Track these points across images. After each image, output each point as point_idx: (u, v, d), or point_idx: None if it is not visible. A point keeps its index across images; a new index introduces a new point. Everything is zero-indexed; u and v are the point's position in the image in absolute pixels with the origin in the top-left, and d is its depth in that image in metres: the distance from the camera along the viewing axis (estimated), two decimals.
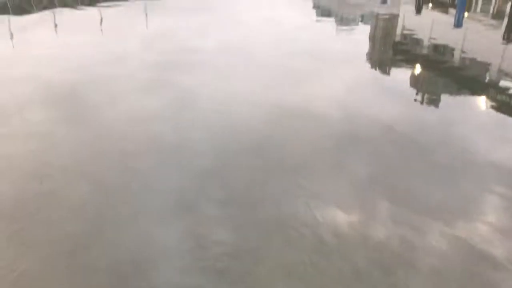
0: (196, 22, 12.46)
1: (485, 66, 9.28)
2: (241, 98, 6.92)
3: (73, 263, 3.49)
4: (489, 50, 10.22)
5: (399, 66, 9.48)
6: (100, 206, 4.22)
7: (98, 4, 14.77)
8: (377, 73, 8.82)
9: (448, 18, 14.49)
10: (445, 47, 10.74)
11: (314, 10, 16.17)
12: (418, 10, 16.18)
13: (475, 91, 7.84)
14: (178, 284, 3.32)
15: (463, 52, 10.22)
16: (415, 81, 8.36)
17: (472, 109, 7.03)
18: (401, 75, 8.67)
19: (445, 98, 7.61)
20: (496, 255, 3.64)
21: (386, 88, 7.70)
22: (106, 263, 3.48)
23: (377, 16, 14.58)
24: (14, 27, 11.03)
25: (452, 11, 15.99)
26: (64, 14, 12.98)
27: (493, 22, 13.75)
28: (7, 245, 3.69)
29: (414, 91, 7.77)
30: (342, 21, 14.23)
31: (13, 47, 9.59)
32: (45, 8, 13.87)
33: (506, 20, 13.84)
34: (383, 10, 15.64)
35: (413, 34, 12.18)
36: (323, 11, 15.94)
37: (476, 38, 11.48)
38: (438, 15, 14.86)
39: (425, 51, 10.64)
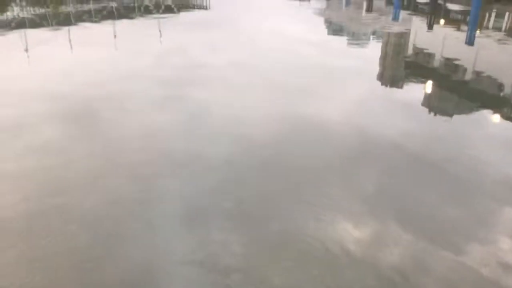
0: (208, 38, 12.58)
1: (498, 83, 9.24)
2: (253, 114, 6.94)
3: (85, 276, 3.50)
4: (502, 67, 10.18)
5: (411, 83, 9.46)
6: (113, 219, 4.24)
7: (113, 20, 14.99)
8: (388, 89, 8.81)
9: (460, 35, 14.49)
10: (457, 63, 10.72)
11: (326, 26, 16.26)
12: (430, 27, 16.21)
13: (488, 108, 7.79)
14: None
15: (475, 68, 10.20)
16: (427, 98, 8.34)
17: (485, 126, 6.98)
18: (413, 92, 8.65)
19: (457, 114, 7.58)
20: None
21: (398, 104, 7.68)
22: (118, 276, 3.49)
23: (388, 32, 14.62)
24: (31, 42, 11.21)
25: (464, 27, 16.01)
26: (79, 30, 13.18)
27: (506, 38, 13.70)
28: (18, 261, 3.71)
29: (426, 107, 7.74)
30: (354, 37, 14.29)
31: (29, 62, 9.74)
32: (60, 23, 14.09)
33: None
34: (394, 26, 15.68)
35: (425, 51, 12.18)
36: (334, 27, 16.03)
37: (489, 54, 11.46)
38: (450, 32, 14.86)
39: (436, 68, 10.63)
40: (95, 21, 14.85)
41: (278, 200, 4.63)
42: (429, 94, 8.63)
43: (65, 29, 13.05)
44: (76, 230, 4.08)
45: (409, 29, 15.33)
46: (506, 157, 5.75)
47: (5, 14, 15.76)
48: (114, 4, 18.34)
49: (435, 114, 7.39)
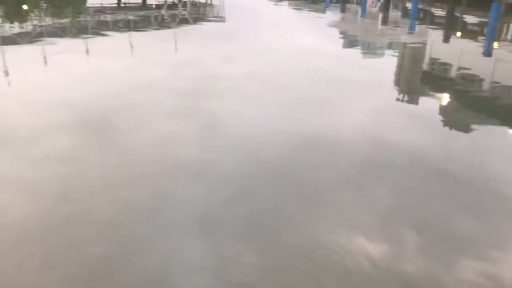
0: (223, 49, 12.64)
1: None
2: (267, 125, 6.92)
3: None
4: None
5: (427, 95, 9.36)
6: (127, 227, 4.25)
7: (130, 31, 15.16)
8: (404, 101, 8.72)
9: (477, 47, 14.36)
10: (474, 75, 10.60)
11: (341, 38, 16.23)
12: (446, 39, 16.09)
13: (506, 121, 7.66)
14: None
15: (493, 81, 10.07)
16: (443, 109, 8.24)
17: (503, 139, 6.86)
18: (429, 104, 8.55)
19: (474, 127, 7.46)
20: None
21: (414, 117, 7.60)
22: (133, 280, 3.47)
23: (404, 44, 14.54)
24: (48, 52, 11.37)
25: (482, 39, 15.86)
26: (96, 40, 13.34)
27: None
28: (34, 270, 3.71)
29: (442, 119, 7.65)
30: (369, 49, 14.24)
31: (46, 72, 9.86)
32: (78, 33, 14.29)
33: None
34: (410, 38, 15.60)
35: (441, 63, 12.08)
36: (349, 39, 16.00)
37: (507, 67, 11.31)
38: (467, 44, 14.73)
39: (453, 79, 10.52)
40: (112, 32, 15.02)
41: (292, 212, 4.58)
42: (446, 106, 8.52)
43: (83, 39, 13.22)
44: (89, 238, 4.09)
45: (426, 41, 15.24)
46: None
47: (24, 25, 16.03)
48: (131, 16, 18.56)
49: (452, 127, 7.29)
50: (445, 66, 11.88)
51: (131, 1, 25.10)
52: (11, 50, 11.69)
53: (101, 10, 20.39)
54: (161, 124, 6.89)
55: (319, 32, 16.52)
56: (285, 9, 24.68)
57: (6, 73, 9.50)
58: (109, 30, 15.40)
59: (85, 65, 10.49)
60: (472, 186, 5.25)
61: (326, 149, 6.11)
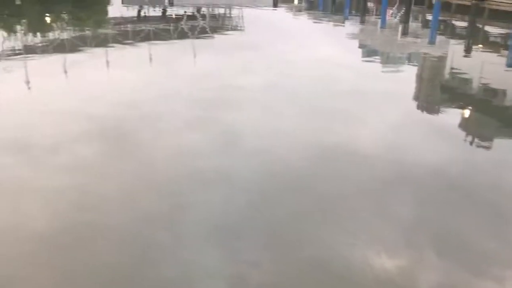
0: (242, 59, 12.65)
1: None
2: (285, 136, 6.87)
3: None
4: None
5: (448, 107, 9.21)
6: (144, 236, 4.25)
7: (150, 42, 15.30)
8: (424, 114, 8.58)
9: (500, 59, 14.11)
10: (496, 88, 10.40)
11: (360, 49, 16.13)
12: (468, 51, 15.87)
13: None
14: None
15: None
16: (464, 123, 8.07)
17: None
18: (450, 117, 8.41)
19: (496, 140, 7.29)
20: None
21: (434, 130, 7.46)
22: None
23: (424, 56, 14.38)
24: (68, 62, 11.51)
25: (504, 51, 15.60)
26: (116, 51, 13.47)
27: None
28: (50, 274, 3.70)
29: (463, 132, 7.49)
30: (389, 60, 14.10)
31: (65, 82, 9.97)
32: (98, 44, 14.46)
33: None
34: (431, 50, 15.43)
35: (462, 75, 11.89)
36: (369, 51, 15.88)
37: None
38: (488, 56, 14.50)
39: (475, 92, 10.33)
40: (132, 43, 15.18)
41: (311, 224, 4.51)
42: (467, 119, 8.35)
43: (102, 50, 13.37)
44: (106, 246, 4.09)
45: (446, 53, 15.05)
46: None
47: (47, 36, 16.31)
48: (151, 27, 18.75)
49: (473, 140, 7.13)
50: (467, 78, 11.68)
51: (151, 13, 25.40)
52: (34, 60, 11.88)
53: (122, 21, 20.64)
54: (179, 133, 6.90)
55: (338, 43, 16.44)
56: (304, 20, 24.69)
57: (28, 82, 9.64)
58: (129, 41, 15.57)
59: (105, 75, 10.58)
60: (492, 201, 5.10)
61: (345, 162, 6.02)
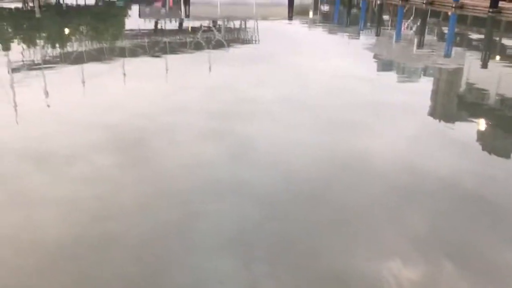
0: (256, 72, 12.72)
1: None
2: (300, 147, 6.89)
3: None
4: None
5: (464, 120, 9.14)
6: (160, 245, 4.30)
7: (166, 54, 15.48)
8: (440, 126, 8.52)
9: None
10: None
11: (375, 61, 16.12)
12: (485, 63, 15.76)
13: None
14: None
15: None
16: (481, 135, 8.00)
17: None
18: (467, 130, 8.34)
19: None
20: None
21: (451, 142, 7.41)
22: None
23: (440, 68, 14.31)
24: (86, 73, 11.68)
25: None
26: (133, 63, 13.64)
27: None
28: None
29: (481, 145, 7.43)
30: (404, 73, 14.06)
31: (83, 93, 10.12)
32: (115, 56, 14.67)
33: None
34: (447, 62, 15.36)
35: (479, 87, 11.81)
36: (384, 63, 15.86)
37: None
38: (507, 68, 14.38)
39: (492, 105, 10.24)
40: (149, 55, 15.37)
41: (324, 236, 4.51)
42: (484, 132, 8.28)
43: (119, 62, 13.56)
44: (123, 255, 4.13)
45: (463, 65, 14.96)
46: None
47: (64, 48, 16.60)
48: (167, 40, 18.98)
49: (490, 153, 7.06)
50: (483, 90, 11.59)
51: (168, 26, 25.72)
52: (53, 72, 12.08)
53: (139, 34, 20.92)
54: (194, 144, 6.95)
55: (353, 55, 16.45)
56: (319, 32, 24.77)
57: (45, 94, 9.81)
58: (146, 53, 15.76)
59: (122, 86, 10.72)
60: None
61: (361, 174, 6.01)
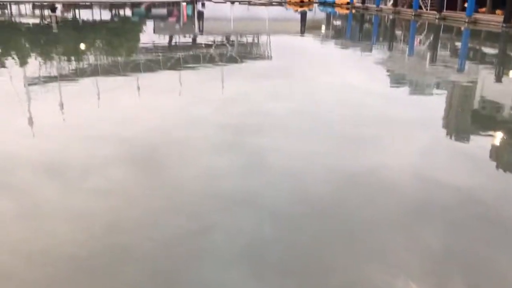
0: (269, 87, 12.79)
1: None
2: (311, 162, 6.89)
3: None
4: None
5: (478, 135, 9.09)
6: (172, 258, 4.32)
7: (180, 69, 15.66)
8: (453, 141, 8.49)
9: None
10: None
11: (388, 76, 16.12)
12: (499, 78, 15.68)
13: None
14: None
15: None
16: (495, 151, 7.94)
17: None
18: (480, 144, 8.29)
19: None
20: None
21: (464, 158, 7.37)
22: None
23: (453, 83, 14.27)
24: (101, 87, 11.86)
25: None
26: (147, 77, 13.82)
27: None
28: None
29: (494, 161, 7.37)
30: (417, 88, 14.04)
31: (98, 107, 10.26)
32: (130, 71, 14.88)
33: None
34: (460, 77, 15.31)
35: (493, 102, 11.74)
36: (397, 78, 15.86)
37: None
38: None
39: (506, 120, 10.17)
40: (163, 70, 15.56)
41: (336, 251, 4.50)
42: (498, 147, 8.22)
43: (134, 76, 13.75)
44: (136, 267, 4.17)
45: (476, 80, 14.90)
46: None
47: (80, 62, 16.88)
48: (181, 54, 19.21)
49: (505, 170, 7.00)
50: (498, 105, 11.53)
51: (182, 41, 26.04)
52: (68, 85, 12.29)
53: (153, 49, 21.22)
54: (208, 157, 7.01)
55: (366, 70, 16.48)
56: (331, 47, 24.89)
57: (61, 107, 9.96)
58: (160, 67, 15.96)
59: (136, 100, 10.86)
60: None
61: (374, 188, 6.00)
